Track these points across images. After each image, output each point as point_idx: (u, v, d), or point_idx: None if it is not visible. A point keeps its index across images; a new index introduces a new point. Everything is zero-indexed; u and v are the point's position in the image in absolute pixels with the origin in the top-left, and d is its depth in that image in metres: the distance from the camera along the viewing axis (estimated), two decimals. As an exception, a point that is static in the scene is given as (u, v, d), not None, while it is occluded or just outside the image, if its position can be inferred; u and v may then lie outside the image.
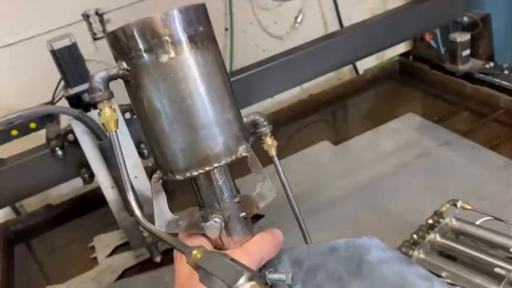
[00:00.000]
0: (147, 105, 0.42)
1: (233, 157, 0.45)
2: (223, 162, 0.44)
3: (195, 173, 0.44)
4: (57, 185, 1.21)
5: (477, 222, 0.97)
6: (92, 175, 1.14)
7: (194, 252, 0.40)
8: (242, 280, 0.36)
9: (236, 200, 0.49)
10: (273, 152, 0.55)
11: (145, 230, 0.45)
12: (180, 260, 0.48)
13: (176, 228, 0.49)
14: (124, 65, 0.41)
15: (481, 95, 1.59)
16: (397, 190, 1.28)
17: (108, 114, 0.42)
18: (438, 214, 1.00)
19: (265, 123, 0.54)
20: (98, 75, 0.41)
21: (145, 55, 0.40)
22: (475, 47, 1.66)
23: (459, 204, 1.02)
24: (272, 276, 0.48)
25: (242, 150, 0.46)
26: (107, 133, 0.43)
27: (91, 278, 1.22)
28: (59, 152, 1.11)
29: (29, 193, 1.20)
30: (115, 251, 1.30)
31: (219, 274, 0.37)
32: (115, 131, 0.43)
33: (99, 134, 1.01)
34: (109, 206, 1.14)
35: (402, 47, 1.92)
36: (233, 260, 0.39)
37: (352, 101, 1.84)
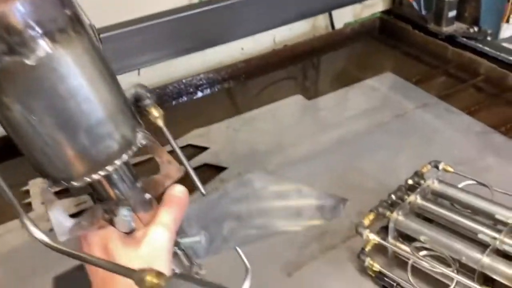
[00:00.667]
0: (21, 118, 0.32)
1: (134, 149, 0.40)
2: (124, 157, 0.39)
3: (95, 177, 0.38)
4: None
5: (459, 186, 0.90)
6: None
7: (148, 278, 0.33)
8: None
9: (138, 185, 0.45)
10: (160, 123, 0.47)
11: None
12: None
13: (79, 230, 0.42)
14: None
15: (462, 59, 1.52)
16: (372, 149, 1.20)
17: None
18: (419, 175, 0.92)
19: (148, 94, 0.46)
20: None
21: (5, 58, 0.29)
22: (461, 9, 1.57)
23: (441, 166, 0.94)
24: (185, 241, 0.48)
25: (141, 138, 0.41)
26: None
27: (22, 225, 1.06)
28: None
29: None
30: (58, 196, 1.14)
31: None
32: None
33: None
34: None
35: (383, 4, 1.81)
36: (201, 281, 0.41)
37: (329, 56, 1.71)
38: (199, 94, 1.55)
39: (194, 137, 1.31)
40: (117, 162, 0.39)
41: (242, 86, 1.60)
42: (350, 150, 1.21)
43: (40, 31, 0.29)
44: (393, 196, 0.89)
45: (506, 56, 1.46)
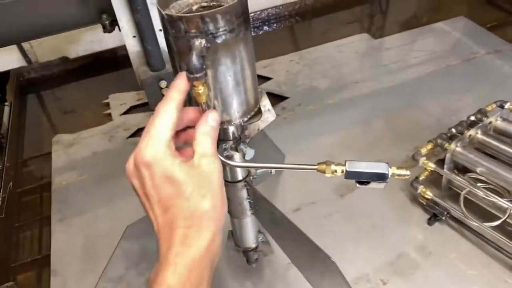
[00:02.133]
0: (223, 72, 0.46)
1: (258, 106, 0.53)
2: (256, 108, 0.53)
3: (245, 119, 0.51)
4: (74, 28, 1.11)
5: (524, 126, 0.89)
6: (113, 22, 1.04)
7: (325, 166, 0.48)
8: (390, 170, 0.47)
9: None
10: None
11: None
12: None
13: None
14: (204, 42, 0.44)
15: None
16: (436, 91, 1.19)
17: (202, 91, 0.44)
18: (482, 113, 0.92)
19: None
20: (196, 54, 0.43)
21: (228, 34, 0.44)
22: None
23: (507, 105, 0.94)
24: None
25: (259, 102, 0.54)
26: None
27: (103, 132, 1.19)
28: (80, -10, 1.00)
29: (42, 32, 1.11)
30: (130, 110, 1.25)
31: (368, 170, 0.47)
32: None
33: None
34: (129, 59, 1.07)
35: None
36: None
37: (401, -4, 1.67)
38: (265, 28, 1.58)
39: (259, 67, 1.36)
40: (255, 109, 0.52)
41: (308, 24, 1.61)
42: (412, 90, 1.21)
43: (239, 20, 0.45)
44: (453, 130, 0.90)
45: None
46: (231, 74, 0.47)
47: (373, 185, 0.48)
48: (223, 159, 0.51)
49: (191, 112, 0.47)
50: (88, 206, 1.00)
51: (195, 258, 0.41)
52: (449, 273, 0.80)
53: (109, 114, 1.24)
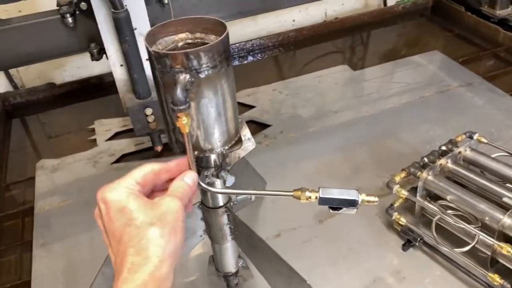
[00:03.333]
0: (206, 104, 0.50)
1: (239, 135, 0.57)
2: (236, 137, 0.56)
3: (227, 147, 0.55)
4: (63, 56, 1.15)
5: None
6: (101, 51, 1.08)
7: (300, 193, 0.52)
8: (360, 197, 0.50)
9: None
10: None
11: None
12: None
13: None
14: (189, 77, 0.47)
15: (513, 43, 1.52)
16: (411, 121, 1.25)
17: (186, 122, 0.47)
18: (453, 143, 0.98)
19: None
20: (180, 88, 0.46)
21: (211, 70, 0.48)
22: (518, -8, 1.56)
23: (475, 136, 0.99)
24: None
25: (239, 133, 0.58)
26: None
27: (87, 157, 1.21)
28: (70, 20, 1.03)
29: (32, 59, 1.14)
30: (115, 136, 1.27)
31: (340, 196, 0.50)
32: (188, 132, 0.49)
33: (115, 3, 0.94)
34: (116, 86, 1.10)
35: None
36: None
37: (378, 31, 1.75)
38: (250, 58, 1.64)
39: (243, 96, 1.40)
40: (233, 140, 0.55)
41: (291, 54, 1.67)
42: (390, 120, 1.27)
43: (224, 56, 0.49)
44: (425, 159, 0.94)
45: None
46: (213, 106, 0.50)
47: (345, 210, 0.52)
48: (204, 185, 0.54)
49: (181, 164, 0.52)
50: (70, 231, 1.01)
51: (139, 284, 0.42)
52: (422, 298, 0.82)
53: (94, 140, 1.26)
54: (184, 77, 0.47)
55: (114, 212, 0.45)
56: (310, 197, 0.51)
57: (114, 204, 0.45)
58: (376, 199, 0.52)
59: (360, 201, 0.51)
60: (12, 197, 1.17)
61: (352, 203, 0.51)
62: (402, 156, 1.10)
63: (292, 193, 0.52)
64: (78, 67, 1.53)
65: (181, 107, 0.46)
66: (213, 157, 0.57)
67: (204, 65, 0.47)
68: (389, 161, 1.11)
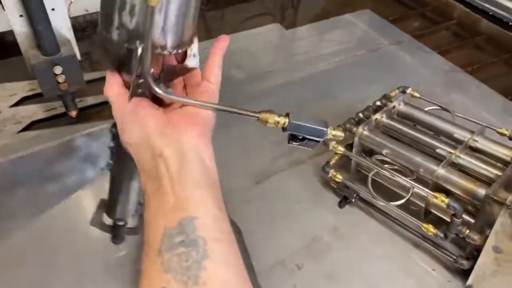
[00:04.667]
0: None
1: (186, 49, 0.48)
2: (186, 47, 0.47)
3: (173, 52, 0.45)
4: None
5: (423, 110, 0.95)
6: (-4, 0, 0.92)
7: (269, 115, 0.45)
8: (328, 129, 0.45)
9: None
10: None
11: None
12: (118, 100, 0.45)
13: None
14: None
15: (439, 3, 1.55)
16: (344, 80, 1.23)
17: None
18: (387, 98, 0.96)
19: None
20: None
21: None
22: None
23: (408, 90, 0.98)
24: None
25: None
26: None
27: (-10, 126, 1.04)
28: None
29: None
30: (22, 102, 1.12)
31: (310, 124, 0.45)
32: None
33: None
34: (17, 41, 0.95)
35: None
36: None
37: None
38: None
39: (169, 56, 1.29)
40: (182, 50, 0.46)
41: (220, 12, 1.57)
42: (324, 80, 1.23)
43: None
44: (360, 115, 0.92)
45: (479, 1, 1.49)
46: None
47: (307, 143, 0.47)
48: (160, 92, 0.44)
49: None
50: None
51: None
52: (359, 253, 0.81)
53: (-3, 106, 1.09)
54: None
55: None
56: (278, 122, 0.45)
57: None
58: (343, 134, 0.47)
59: (328, 133, 0.46)
60: None
61: (320, 134, 0.45)
62: (337, 115, 1.07)
63: (258, 115, 0.45)
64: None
65: None
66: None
67: None
68: (325, 119, 1.08)
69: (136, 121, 0.43)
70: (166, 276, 0.34)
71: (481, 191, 0.74)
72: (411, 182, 0.79)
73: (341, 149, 0.86)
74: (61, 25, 0.96)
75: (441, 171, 0.78)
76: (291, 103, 1.15)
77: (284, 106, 1.10)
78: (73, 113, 1.03)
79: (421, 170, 0.81)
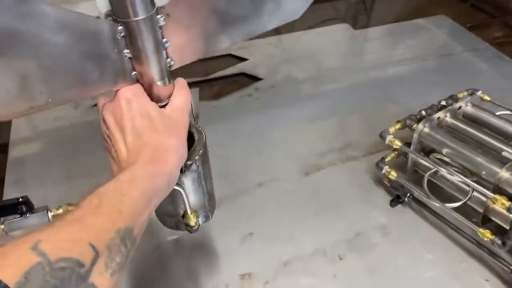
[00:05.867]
0: None
1: None
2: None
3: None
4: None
5: (493, 114, 0.89)
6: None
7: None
8: None
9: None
10: None
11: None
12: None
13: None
14: None
15: (524, 11, 1.45)
16: (410, 83, 1.18)
17: None
18: (453, 98, 0.91)
19: None
20: None
21: None
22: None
23: (478, 93, 0.93)
24: None
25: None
26: None
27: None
28: None
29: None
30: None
31: None
32: None
33: None
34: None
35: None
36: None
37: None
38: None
39: (236, 48, 1.33)
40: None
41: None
42: (390, 83, 1.20)
43: None
44: (423, 112, 0.88)
45: None
46: None
47: None
48: None
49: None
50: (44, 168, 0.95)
51: (151, 172, 0.45)
52: (407, 254, 0.78)
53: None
54: None
55: (136, 113, 0.47)
56: None
57: (137, 106, 0.48)
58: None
59: None
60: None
61: None
62: (399, 117, 1.04)
63: None
64: None
65: None
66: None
67: None
68: (385, 121, 1.05)
69: None
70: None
71: (549, 200, 0.68)
72: (471, 183, 0.75)
73: (398, 143, 0.83)
74: None
75: (504, 173, 0.73)
76: (351, 104, 1.13)
77: (344, 107, 1.09)
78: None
79: (483, 172, 0.76)
